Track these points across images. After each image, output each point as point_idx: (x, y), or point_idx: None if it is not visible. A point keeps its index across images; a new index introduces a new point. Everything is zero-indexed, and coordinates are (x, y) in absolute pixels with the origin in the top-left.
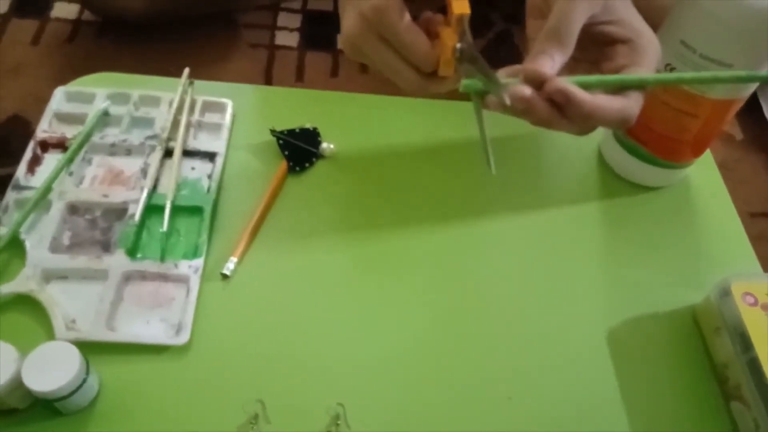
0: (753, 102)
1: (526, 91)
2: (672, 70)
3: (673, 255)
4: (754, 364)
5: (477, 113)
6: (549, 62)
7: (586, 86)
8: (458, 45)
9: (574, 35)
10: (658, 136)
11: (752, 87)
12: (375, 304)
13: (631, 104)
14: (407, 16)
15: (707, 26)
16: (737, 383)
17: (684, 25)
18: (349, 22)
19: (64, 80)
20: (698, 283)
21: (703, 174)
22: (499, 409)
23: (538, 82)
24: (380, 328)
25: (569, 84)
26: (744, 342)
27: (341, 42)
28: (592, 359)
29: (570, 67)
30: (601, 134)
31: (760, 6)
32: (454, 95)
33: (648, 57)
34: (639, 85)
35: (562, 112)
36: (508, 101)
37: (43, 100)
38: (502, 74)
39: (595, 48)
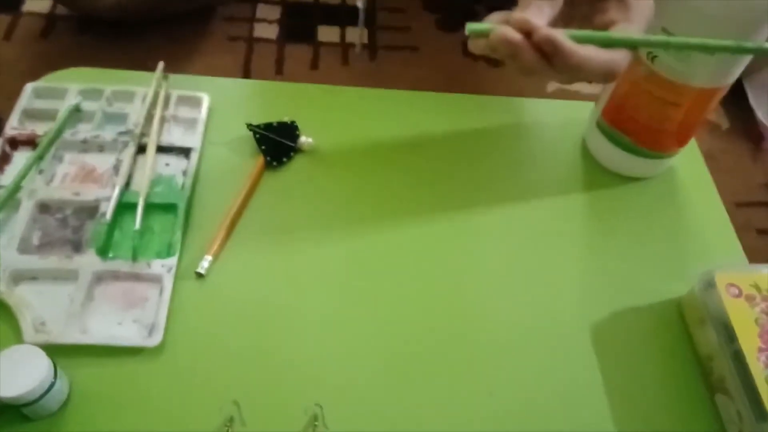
0: (739, 91)
1: (515, 35)
2: (654, 58)
3: (658, 246)
4: (737, 356)
5: None
6: (537, 13)
7: (575, 40)
8: None
9: None
10: (642, 125)
11: (735, 75)
12: (354, 302)
13: (618, 58)
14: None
15: (689, 16)
16: (721, 375)
17: (666, 14)
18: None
19: (38, 77)
20: (683, 274)
21: (689, 164)
22: (480, 404)
23: (525, 31)
24: (359, 327)
25: (558, 34)
26: (728, 334)
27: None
28: (576, 352)
29: (563, 23)
30: (585, 125)
31: None
32: (437, 87)
33: (638, 13)
34: (627, 45)
35: (549, 61)
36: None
37: (16, 97)
38: (493, 19)
39: (588, 2)
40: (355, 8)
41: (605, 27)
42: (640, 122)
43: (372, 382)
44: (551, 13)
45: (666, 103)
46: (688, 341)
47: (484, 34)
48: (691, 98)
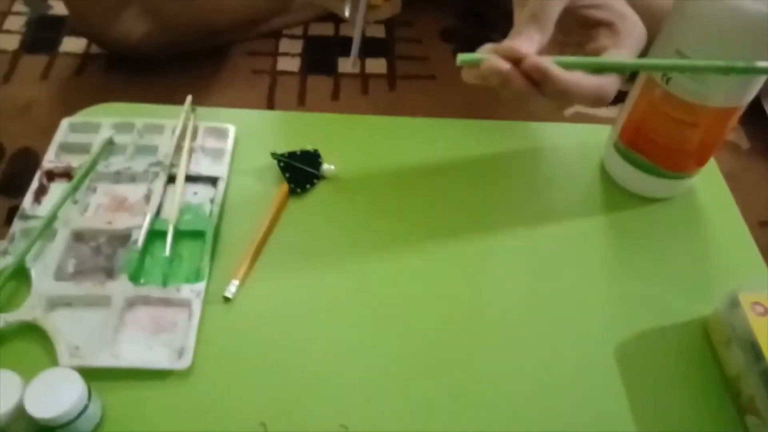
0: (758, 111)
1: (503, 65)
2: (669, 79)
3: (681, 267)
4: (766, 375)
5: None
6: (527, 41)
7: (565, 66)
8: None
9: (551, 17)
10: (660, 146)
11: (751, 95)
12: (379, 325)
13: (607, 83)
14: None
15: (702, 34)
16: (751, 396)
17: (679, 34)
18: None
19: (73, 112)
20: (708, 295)
21: (709, 184)
22: (505, 429)
23: (514, 60)
24: (384, 350)
25: (546, 61)
26: (755, 353)
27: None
28: (600, 376)
29: (558, 51)
30: (603, 148)
31: (754, 11)
32: (456, 114)
33: (629, 40)
34: (617, 69)
35: (539, 88)
36: None
37: (53, 133)
38: (484, 50)
39: (580, 30)
40: (374, 40)
41: (597, 54)
42: (658, 143)
43: (399, 404)
44: (541, 41)
45: (683, 123)
46: (715, 362)
47: (475, 64)
48: (709, 118)
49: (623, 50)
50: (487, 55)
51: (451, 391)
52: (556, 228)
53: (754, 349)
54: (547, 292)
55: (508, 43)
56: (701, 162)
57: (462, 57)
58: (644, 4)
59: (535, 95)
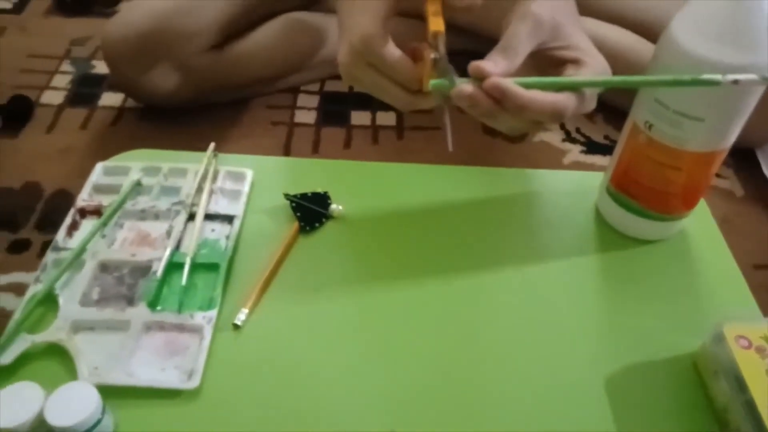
0: (753, 160)
1: (468, 88)
2: (651, 126)
3: (672, 304)
4: (750, 407)
5: (442, 104)
6: (491, 63)
7: (525, 86)
8: (432, 55)
9: (519, 51)
10: (647, 189)
11: (730, 140)
12: (380, 354)
13: (563, 99)
14: (390, 42)
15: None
16: (737, 427)
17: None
18: (342, 52)
19: (107, 158)
20: (698, 330)
21: (700, 226)
22: None
23: (481, 78)
24: (382, 379)
25: (505, 80)
26: (740, 385)
27: (339, 70)
28: (592, 407)
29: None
30: (597, 192)
31: (727, 65)
32: (459, 163)
33: (589, 68)
34: (572, 87)
35: (501, 105)
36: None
37: (88, 176)
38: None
39: (552, 69)
40: None
41: None
42: (645, 186)
43: (401, 428)
44: (507, 67)
45: (667, 167)
46: (704, 394)
47: (445, 90)
48: (690, 162)
49: (582, 75)
50: (456, 79)
51: (448, 419)
52: (551, 266)
53: (738, 381)
54: (540, 327)
55: (474, 63)
56: (689, 205)
57: (433, 83)
58: (597, 41)
59: (500, 113)
